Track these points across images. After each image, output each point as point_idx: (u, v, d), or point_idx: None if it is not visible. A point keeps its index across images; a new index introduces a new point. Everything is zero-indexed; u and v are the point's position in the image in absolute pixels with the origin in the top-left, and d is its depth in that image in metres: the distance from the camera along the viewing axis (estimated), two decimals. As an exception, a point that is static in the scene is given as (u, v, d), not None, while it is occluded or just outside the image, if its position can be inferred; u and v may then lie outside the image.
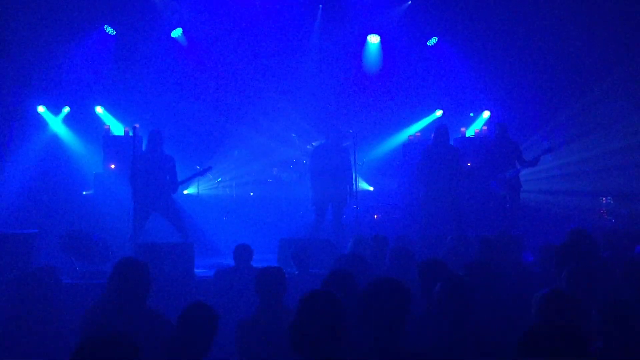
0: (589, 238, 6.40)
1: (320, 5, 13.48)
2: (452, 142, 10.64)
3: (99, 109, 12.96)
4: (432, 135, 10.22)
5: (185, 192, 11.55)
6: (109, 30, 12.76)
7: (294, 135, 12.53)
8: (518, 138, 12.30)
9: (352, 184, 9.81)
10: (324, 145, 9.94)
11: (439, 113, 13.83)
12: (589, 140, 12.55)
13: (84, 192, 11.61)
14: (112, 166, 11.46)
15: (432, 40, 13.69)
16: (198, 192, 12.10)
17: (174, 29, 13.08)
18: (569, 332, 2.97)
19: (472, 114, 13.77)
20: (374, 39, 13.81)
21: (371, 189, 13.02)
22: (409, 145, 12.65)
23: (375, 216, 12.05)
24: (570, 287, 4.72)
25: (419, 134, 13.25)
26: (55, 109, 12.76)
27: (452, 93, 13.77)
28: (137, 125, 9.05)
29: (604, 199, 11.70)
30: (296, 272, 7.23)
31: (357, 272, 5.13)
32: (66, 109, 12.79)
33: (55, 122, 12.74)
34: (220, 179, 12.29)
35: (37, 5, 11.72)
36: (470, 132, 13.15)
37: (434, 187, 9.82)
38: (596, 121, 12.66)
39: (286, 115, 13.18)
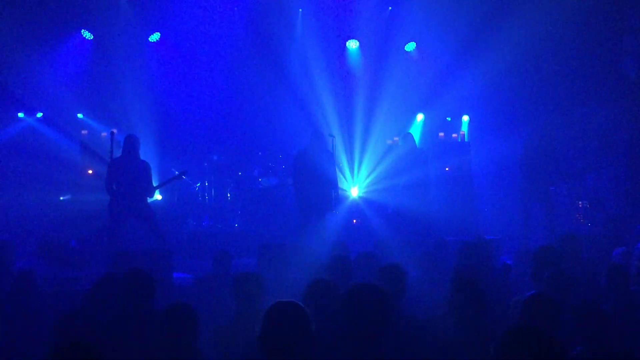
0: (577, 242, 6.50)
1: (300, 10, 13.49)
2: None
3: (78, 115, 12.87)
4: (400, 142, 10.87)
5: (159, 197, 11.38)
6: (86, 34, 12.66)
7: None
8: (496, 141, 12.47)
9: (338, 189, 9.68)
10: (306, 149, 9.44)
11: (419, 117, 13.89)
12: (565, 143, 12.66)
13: (61, 198, 11.50)
14: (90, 171, 11.38)
15: (411, 46, 13.76)
16: (177, 198, 12.01)
17: (152, 34, 13.02)
18: (547, 336, 2.97)
19: (449, 119, 13.83)
20: (352, 44, 13.86)
21: (353, 193, 13.01)
22: (389, 150, 12.67)
23: (354, 220, 12.06)
24: (550, 291, 4.76)
25: (397, 138, 13.26)
26: (32, 115, 12.64)
27: (432, 98, 13.81)
28: (115, 131, 9.00)
29: (580, 202, 11.79)
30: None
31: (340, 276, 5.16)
32: (39, 114, 12.69)
33: (32, 127, 12.62)
34: (199, 184, 12.22)
35: (13, 10, 11.58)
36: (448, 136, 13.22)
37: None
38: (572, 125, 12.79)
39: (266, 119, 13.16)
